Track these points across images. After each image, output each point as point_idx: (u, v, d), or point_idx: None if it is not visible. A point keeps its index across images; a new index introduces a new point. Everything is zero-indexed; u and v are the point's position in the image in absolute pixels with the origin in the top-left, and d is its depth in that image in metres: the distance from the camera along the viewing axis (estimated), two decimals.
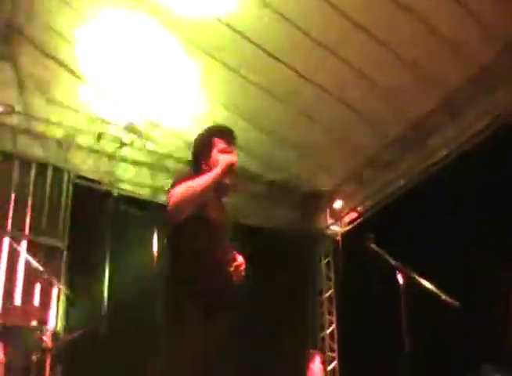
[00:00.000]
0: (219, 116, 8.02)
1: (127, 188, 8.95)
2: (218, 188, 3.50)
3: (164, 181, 8.78)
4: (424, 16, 6.76)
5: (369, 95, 7.84)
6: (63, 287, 6.83)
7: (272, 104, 8.18)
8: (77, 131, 8.75)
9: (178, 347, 3.21)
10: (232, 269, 3.39)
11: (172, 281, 3.41)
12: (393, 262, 4.21)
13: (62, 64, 8.53)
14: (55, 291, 7.39)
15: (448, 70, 7.33)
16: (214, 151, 3.63)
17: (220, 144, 3.65)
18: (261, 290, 8.48)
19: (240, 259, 3.50)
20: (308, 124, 8.38)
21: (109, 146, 8.74)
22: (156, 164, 9.12)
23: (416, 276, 4.16)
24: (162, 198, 8.64)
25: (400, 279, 4.14)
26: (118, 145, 8.53)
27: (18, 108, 8.49)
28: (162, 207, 4.23)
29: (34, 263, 6.23)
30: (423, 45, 7.06)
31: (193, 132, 4.07)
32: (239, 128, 8.16)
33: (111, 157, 8.78)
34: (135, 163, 9.05)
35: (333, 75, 7.68)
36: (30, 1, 7.89)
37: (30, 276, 7.07)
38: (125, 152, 8.78)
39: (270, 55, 7.42)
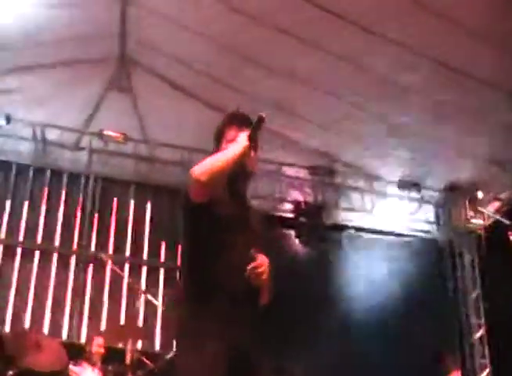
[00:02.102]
0: None
1: None
2: (235, 177, 3.01)
3: None
4: None
5: None
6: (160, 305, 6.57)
7: None
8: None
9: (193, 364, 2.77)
10: (248, 272, 2.87)
11: (186, 282, 3.02)
12: None
13: (178, 87, 8.52)
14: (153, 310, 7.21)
15: None
16: (224, 142, 3.12)
17: (231, 133, 3.13)
18: (399, 294, 7.95)
19: (261, 259, 2.93)
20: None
21: None
22: None
23: None
24: None
25: None
26: None
27: (137, 136, 8.57)
28: None
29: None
30: None
31: None
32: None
33: None
34: None
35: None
36: (142, 30, 7.98)
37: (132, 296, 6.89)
38: None
39: None
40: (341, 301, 7.86)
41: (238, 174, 3.00)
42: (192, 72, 8.30)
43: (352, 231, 8.52)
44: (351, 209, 8.76)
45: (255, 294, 2.95)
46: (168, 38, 7.90)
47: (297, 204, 8.39)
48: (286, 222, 8.38)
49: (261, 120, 2.96)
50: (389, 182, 8.78)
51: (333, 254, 8.24)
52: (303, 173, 8.60)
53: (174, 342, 2.98)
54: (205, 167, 2.81)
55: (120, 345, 5.85)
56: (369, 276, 7.95)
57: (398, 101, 7.50)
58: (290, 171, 8.68)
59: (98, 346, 5.99)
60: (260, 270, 2.88)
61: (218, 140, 3.15)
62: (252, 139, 2.96)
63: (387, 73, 7.17)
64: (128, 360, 5.45)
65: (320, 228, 8.21)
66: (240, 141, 2.95)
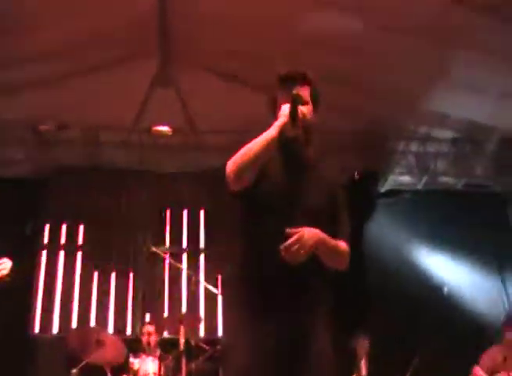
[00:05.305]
0: None
1: None
2: (285, 149, 2.95)
3: None
4: None
5: None
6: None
7: None
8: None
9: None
10: (282, 251, 2.67)
11: (236, 268, 3.00)
12: None
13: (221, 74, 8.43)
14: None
15: None
16: (278, 108, 2.98)
17: (281, 98, 3.00)
18: (464, 252, 7.80)
19: (299, 234, 2.69)
20: None
21: None
22: None
23: None
24: None
25: None
26: None
27: (184, 126, 8.54)
28: None
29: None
30: None
31: None
32: None
33: None
34: None
35: None
36: (181, 22, 7.92)
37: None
38: None
39: None
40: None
41: (288, 147, 2.93)
42: (236, 57, 8.23)
43: (408, 195, 8.23)
44: (405, 172, 8.52)
45: (307, 272, 2.77)
46: (207, 26, 7.82)
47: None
48: None
49: (295, 98, 2.87)
50: (442, 141, 8.47)
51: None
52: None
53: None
54: (236, 162, 2.80)
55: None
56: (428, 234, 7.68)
57: None
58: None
59: (148, 335, 6.01)
60: (295, 248, 2.66)
61: (273, 107, 3.04)
62: (293, 114, 2.85)
63: None
64: (181, 347, 5.36)
65: (374, 196, 7.99)
66: (279, 118, 2.87)
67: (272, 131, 2.82)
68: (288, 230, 2.69)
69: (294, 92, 2.86)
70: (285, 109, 2.87)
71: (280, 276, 2.73)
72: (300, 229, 2.70)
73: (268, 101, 3.08)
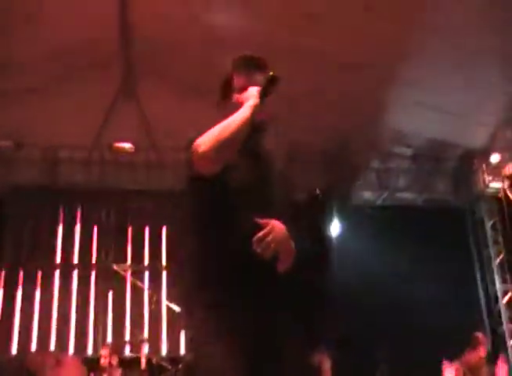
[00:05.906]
0: None
1: None
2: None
3: None
4: None
5: None
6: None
7: None
8: None
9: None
10: (255, 244, 2.47)
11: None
12: None
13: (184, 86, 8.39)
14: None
15: None
16: (232, 92, 2.78)
17: (239, 81, 2.79)
18: (423, 267, 7.87)
19: (269, 227, 2.51)
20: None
21: None
22: None
23: None
24: None
25: None
26: None
27: (144, 143, 8.46)
28: None
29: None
30: None
31: None
32: None
33: None
34: None
35: None
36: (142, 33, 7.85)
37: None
38: None
39: None
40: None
41: (253, 133, 2.64)
42: (196, 68, 8.19)
43: (370, 209, 8.33)
44: (366, 188, 8.62)
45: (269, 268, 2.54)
46: (171, 40, 7.79)
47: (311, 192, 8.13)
48: None
49: (273, 80, 2.64)
50: (404, 158, 8.63)
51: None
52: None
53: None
54: (213, 139, 2.47)
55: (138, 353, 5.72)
56: (389, 250, 7.80)
57: None
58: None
59: (104, 357, 5.91)
60: (267, 240, 2.46)
61: (225, 90, 2.81)
62: (263, 96, 2.63)
63: None
64: (143, 366, 5.29)
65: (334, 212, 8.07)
66: (250, 100, 2.61)
67: (246, 112, 2.57)
68: (259, 220, 2.50)
69: (272, 73, 2.64)
70: (253, 91, 2.64)
71: (251, 271, 2.51)
72: (270, 220, 2.53)
73: (223, 80, 2.84)
